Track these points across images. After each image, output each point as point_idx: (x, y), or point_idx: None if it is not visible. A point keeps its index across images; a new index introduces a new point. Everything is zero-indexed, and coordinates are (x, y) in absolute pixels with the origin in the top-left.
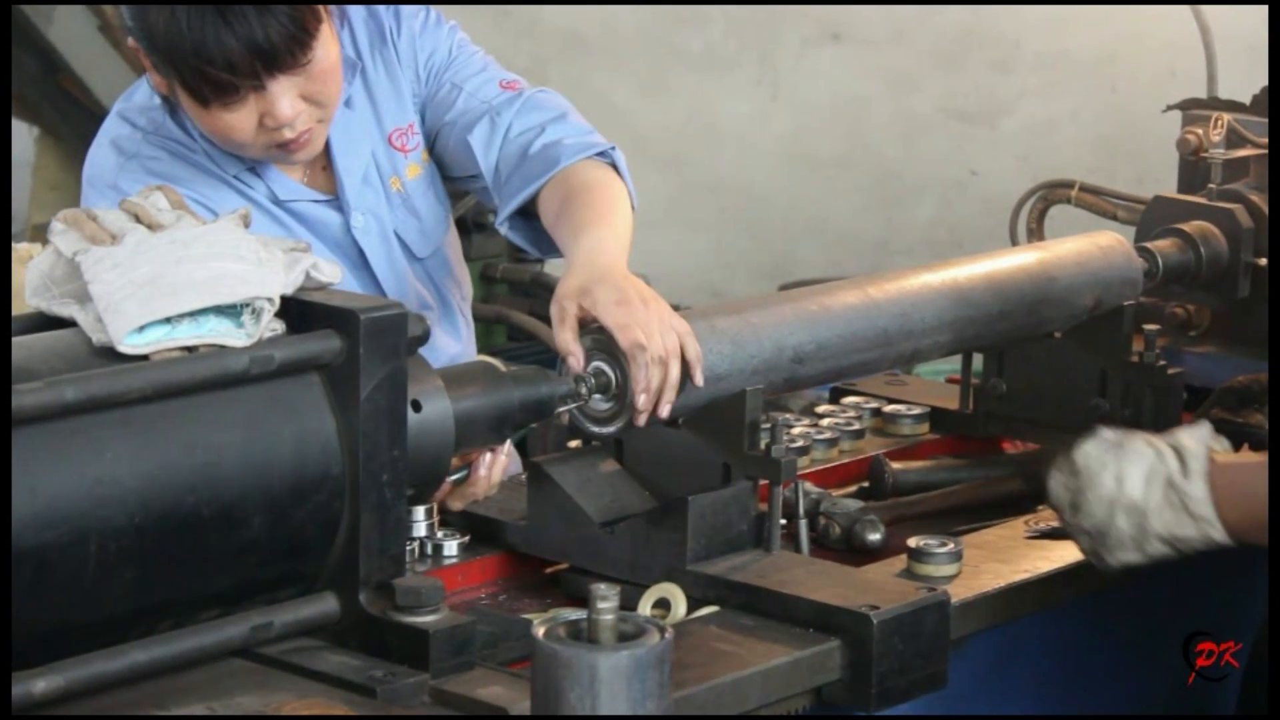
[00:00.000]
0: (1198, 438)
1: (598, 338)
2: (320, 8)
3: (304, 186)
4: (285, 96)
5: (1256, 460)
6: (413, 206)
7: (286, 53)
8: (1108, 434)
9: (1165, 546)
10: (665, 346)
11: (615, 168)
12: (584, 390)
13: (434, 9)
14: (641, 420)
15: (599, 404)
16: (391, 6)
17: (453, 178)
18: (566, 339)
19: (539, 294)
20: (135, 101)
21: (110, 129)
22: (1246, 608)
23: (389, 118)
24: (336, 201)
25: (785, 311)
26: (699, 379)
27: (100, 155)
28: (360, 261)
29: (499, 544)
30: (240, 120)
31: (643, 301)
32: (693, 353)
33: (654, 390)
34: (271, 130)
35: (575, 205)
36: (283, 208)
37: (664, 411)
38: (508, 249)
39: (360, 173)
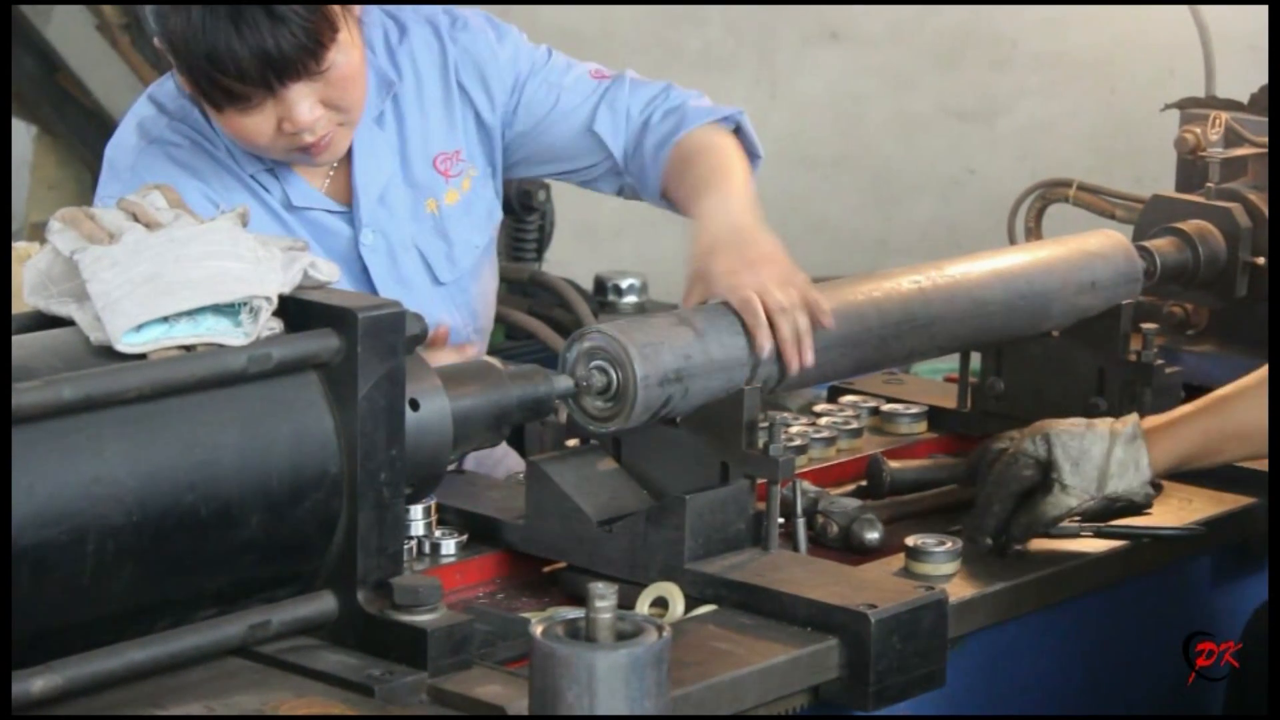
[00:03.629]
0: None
1: (595, 337)
2: (337, 15)
3: (321, 194)
4: (303, 102)
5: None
6: (444, 230)
7: (298, 62)
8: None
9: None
10: (783, 301)
11: (738, 130)
12: (584, 384)
13: (490, 20)
14: (793, 369)
15: (599, 402)
16: (457, 28)
17: (557, 172)
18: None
19: (537, 293)
20: (168, 86)
21: (139, 109)
22: (1246, 608)
23: (437, 141)
24: (350, 214)
25: None
26: (828, 321)
27: (124, 135)
28: (364, 278)
29: (497, 543)
30: (258, 124)
31: (751, 266)
32: (813, 297)
33: (788, 339)
34: (290, 134)
35: (688, 170)
36: (294, 213)
37: (809, 358)
38: (506, 248)
39: (378, 191)
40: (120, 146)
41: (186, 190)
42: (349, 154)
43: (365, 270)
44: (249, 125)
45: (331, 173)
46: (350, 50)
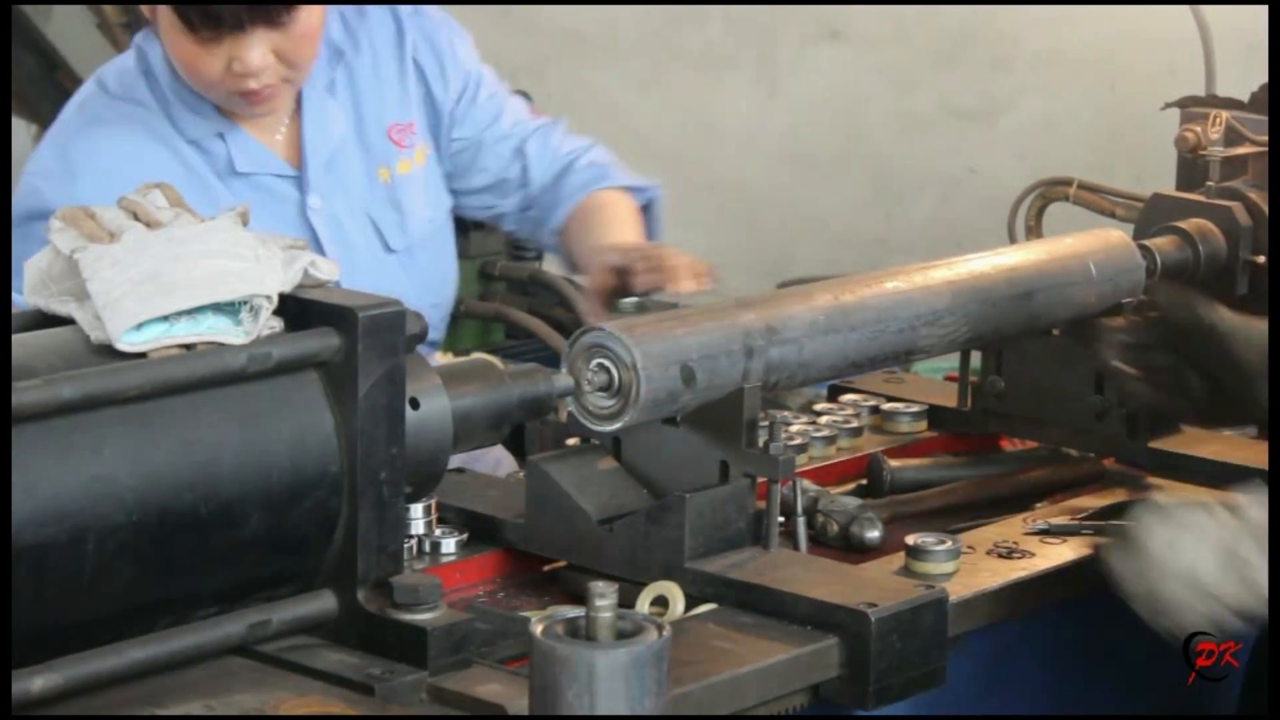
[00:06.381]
0: (1262, 504)
1: (597, 334)
2: None
3: (270, 154)
4: (258, 47)
5: None
6: (396, 200)
7: (272, 6)
8: (1163, 503)
9: (1235, 619)
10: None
11: (649, 206)
12: (585, 386)
13: (449, 18)
14: (690, 289)
15: (601, 401)
16: (418, 14)
17: (478, 187)
18: (595, 308)
19: (537, 292)
20: (115, 65)
21: (82, 91)
22: None
23: (391, 112)
24: (298, 179)
25: (790, 308)
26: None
27: (65, 114)
28: (314, 243)
29: (497, 541)
30: (209, 62)
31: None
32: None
33: (682, 266)
34: (238, 75)
35: (594, 218)
36: (236, 179)
37: (706, 284)
38: (506, 246)
39: (325, 157)
40: (59, 123)
41: (121, 165)
42: (299, 119)
43: (315, 234)
44: (202, 60)
45: (280, 137)
46: (315, 11)
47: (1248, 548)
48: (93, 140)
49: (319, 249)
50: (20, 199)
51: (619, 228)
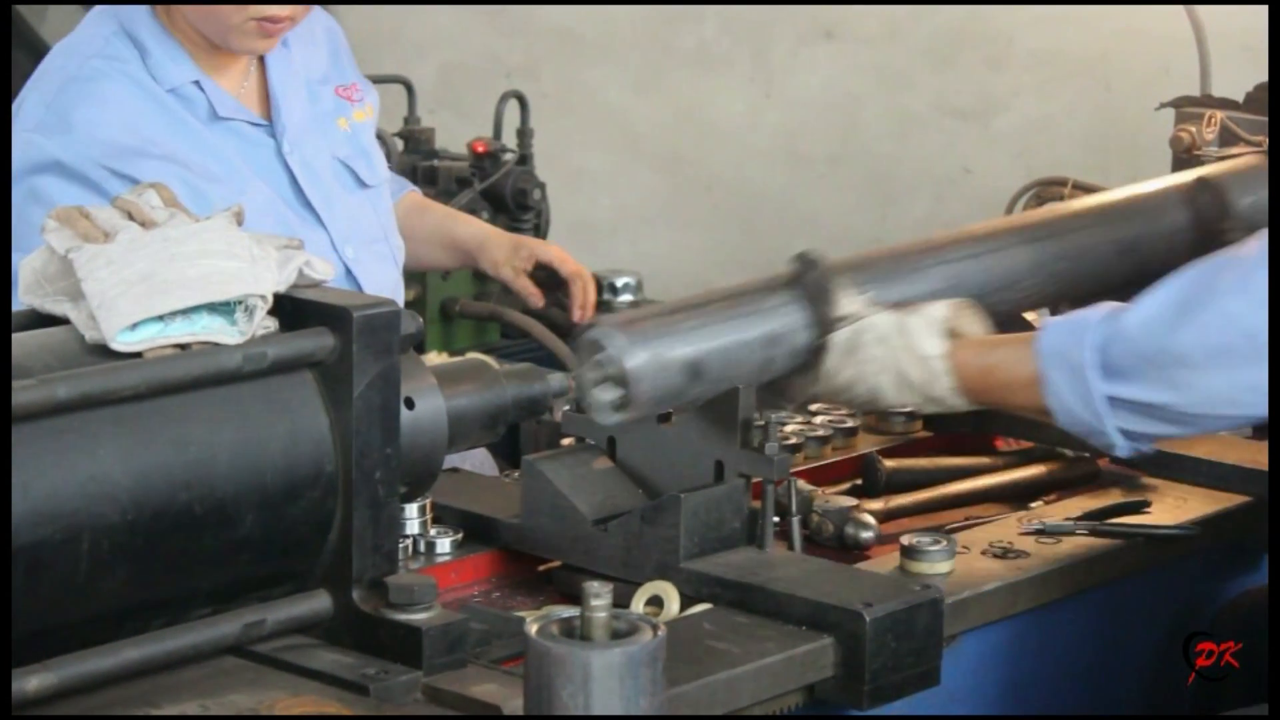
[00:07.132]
0: (936, 329)
1: (597, 332)
2: None
3: (240, 105)
4: None
5: (995, 340)
6: (360, 143)
7: None
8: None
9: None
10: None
11: None
12: (591, 376)
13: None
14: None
15: (607, 392)
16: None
17: None
18: (525, 284)
19: None
20: (73, 37)
21: (52, 62)
22: None
23: (335, 75)
24: (270, 128)
25: None
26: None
27: (41, 81)
28: (294, 187)
29: (492, 541)
30: None
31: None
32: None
33: (591, 303)
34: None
35: (430, 211)
36: (219, 124)
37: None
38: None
39: (292, 105)
40: (43, 87)
41: (113, 111)
42: (264, 73)
43: (294, 178)
44: None
45: (243, 90)
46: None
47: (915, 370)
48: (80, 93)
49: (299, 192)
50: (18, 156)
51: (460, 219)
